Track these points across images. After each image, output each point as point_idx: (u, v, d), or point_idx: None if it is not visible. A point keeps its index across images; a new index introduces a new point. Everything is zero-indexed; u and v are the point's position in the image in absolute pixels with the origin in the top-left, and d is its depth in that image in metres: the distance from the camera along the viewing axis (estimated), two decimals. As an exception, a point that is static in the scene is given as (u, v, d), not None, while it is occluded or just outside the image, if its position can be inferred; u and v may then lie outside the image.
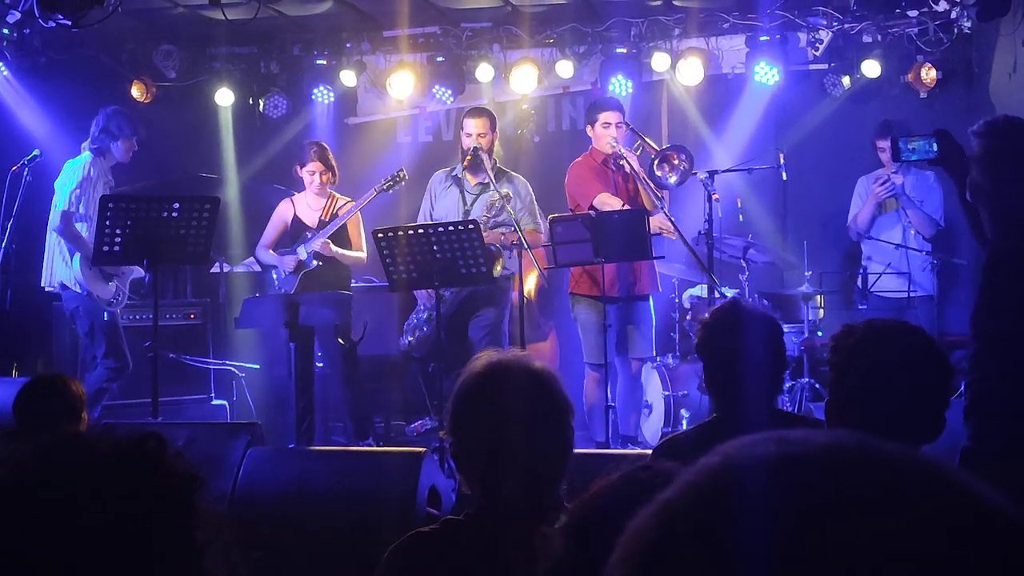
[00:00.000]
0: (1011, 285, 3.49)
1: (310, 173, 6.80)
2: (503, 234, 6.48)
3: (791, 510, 0.60)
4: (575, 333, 6.80)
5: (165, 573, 1.13)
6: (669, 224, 6.24)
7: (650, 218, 6.10)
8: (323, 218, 6.83)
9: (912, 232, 7.14)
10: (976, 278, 3.81)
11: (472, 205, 6.66)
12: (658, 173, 6.37)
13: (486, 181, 6.57)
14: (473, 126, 6.60)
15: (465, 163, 6.56)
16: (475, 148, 6.53)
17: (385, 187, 6.73)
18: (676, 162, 6.40)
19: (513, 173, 6.84)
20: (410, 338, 6.90)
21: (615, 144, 6.43)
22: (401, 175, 6.78)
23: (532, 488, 2.11)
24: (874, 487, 0.61)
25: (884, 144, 6.80)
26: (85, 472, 1.13)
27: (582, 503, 1.34)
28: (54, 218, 6.58)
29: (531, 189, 6.78)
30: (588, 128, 6.64)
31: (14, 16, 7.32)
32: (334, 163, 6.93)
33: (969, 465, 3.26)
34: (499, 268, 6.41)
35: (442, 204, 6.72)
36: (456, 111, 8.41)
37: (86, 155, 6.65)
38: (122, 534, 1.10)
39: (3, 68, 7.88)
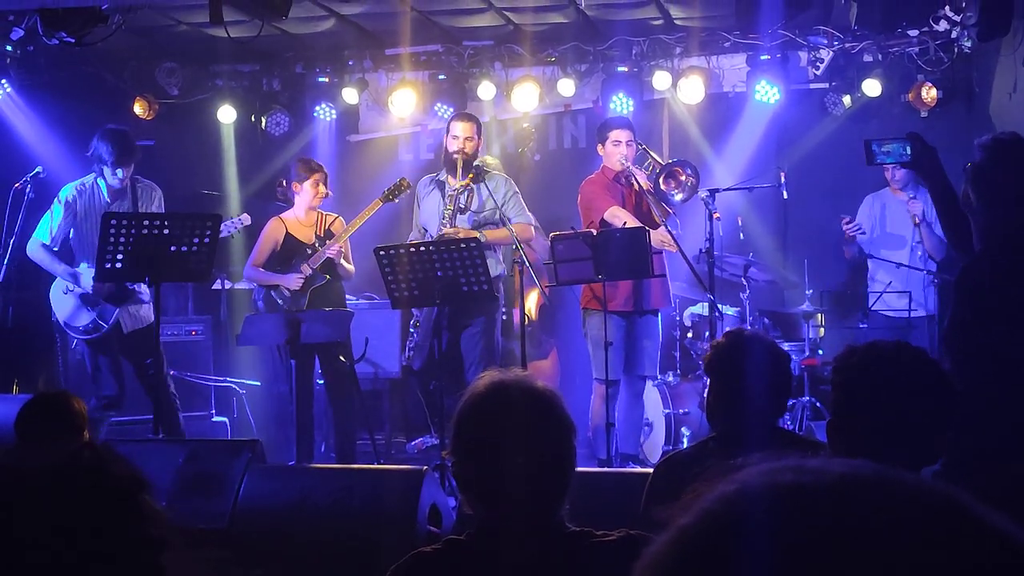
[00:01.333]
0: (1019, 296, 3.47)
1: (314, 184, 6.75)
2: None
3: (805, 539, 0.60)
4: (577, 350, 6.76)
5: (123, 572, 1.17)
6: (668, 237, 6.25)
7: (651, 232, 6.09)
8: (318, 234, 6.79)
9: (919, 253, 7.16)
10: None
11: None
12: (663, 188, 6.38)
13: (464, 181, 6.55)
14: (460, 129, 6.59)
15: (468, 180, 6.53)
16: (477, 159, 6.55)
17: (388, 196, 6.69)
18: (683, 178, 6.41)
19: (494, 172, 6.77)
20: (409, 353, 6.90)
21: (625, 162, 6.45)
22: (404, 184, 6.73)
23: (534, 508, 2.11)
24: (889, 517, 0.61)
25: (889, 166, 6.77)
26: (23, 493, 1.17)
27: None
28: None
29: (515, 185, 6.73)
30: (599, 147, 6.66)
31: (18, 33, 7.35)
32: None
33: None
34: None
35: (425, 208, 6.73)
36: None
37: (74, 182, 6.55)
38: (71, 544, 1.14)
39: (6, 85, 7.91)
